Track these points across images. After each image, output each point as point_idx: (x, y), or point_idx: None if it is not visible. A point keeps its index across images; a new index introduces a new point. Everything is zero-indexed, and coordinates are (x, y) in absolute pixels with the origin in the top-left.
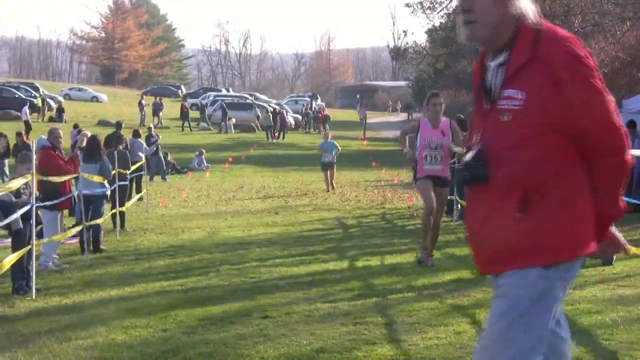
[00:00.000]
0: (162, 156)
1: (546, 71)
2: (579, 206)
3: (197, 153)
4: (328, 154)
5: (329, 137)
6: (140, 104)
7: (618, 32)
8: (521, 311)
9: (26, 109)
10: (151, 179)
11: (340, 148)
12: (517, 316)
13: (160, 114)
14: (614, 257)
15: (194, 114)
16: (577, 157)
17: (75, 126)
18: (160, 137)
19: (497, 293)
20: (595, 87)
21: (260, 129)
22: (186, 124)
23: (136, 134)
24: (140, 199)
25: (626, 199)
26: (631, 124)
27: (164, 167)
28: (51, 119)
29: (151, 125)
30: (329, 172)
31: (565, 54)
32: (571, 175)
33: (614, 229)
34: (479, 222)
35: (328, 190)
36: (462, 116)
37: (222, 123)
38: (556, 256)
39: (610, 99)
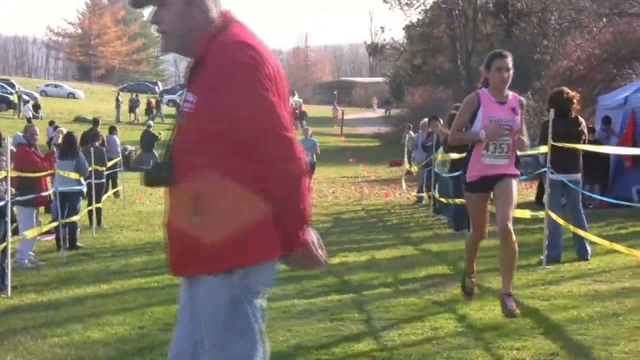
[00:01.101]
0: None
1: (208, 77)
2: (251, 213)
3: None
4: (310, 153)
5: (310, 133)
6: (117, 100)
7: (594, 29)
8: (221, 318)
9: None
10: None
11: (318, 150)
12: (219, 323)
13: (137, 110)
14: (589, 251)
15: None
16: (247, 164)
17: (51, 123)
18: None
19: (193, 299)
20: (254, 95)
21: None
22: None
23: (112, 131)
24: (116, 194)
25: (600, 197)
26: (606, 121)
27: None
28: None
29: (151, 123)
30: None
31: (224, 60)
32: (243, 182)
33: (312, 241)
34: (168, 225)
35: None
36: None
37: None
38: (233, 262)
39: (273, 106)
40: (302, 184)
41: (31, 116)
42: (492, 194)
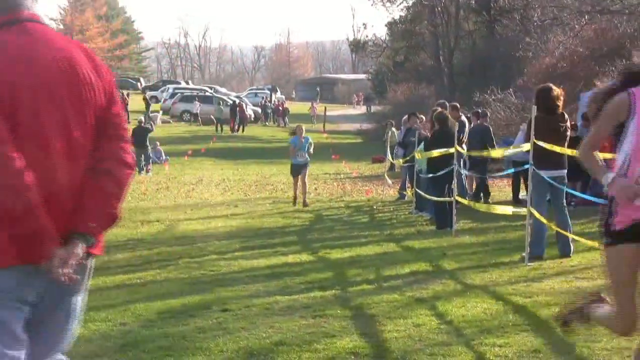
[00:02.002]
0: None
1: None
2: None
3: (151, 146)
4: (302, 152)
5: (304, 132)
6: None
7: (576, 26)
8: None
9: None
10: (141, 170)
11: (312, 150)
12: None
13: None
14: (572, 248)
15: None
16: None
17: None
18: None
19: None
20: None
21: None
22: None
23: None
24: None
25: (581, 195)
26: (587, 116)
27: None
28: None
29: (142, 118)
30: (299, 176)
31: None
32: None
33: (58, 255)
34: None
35: (296, 201)
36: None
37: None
38: None
39: None
40: (18, 197)
41: None
42: None
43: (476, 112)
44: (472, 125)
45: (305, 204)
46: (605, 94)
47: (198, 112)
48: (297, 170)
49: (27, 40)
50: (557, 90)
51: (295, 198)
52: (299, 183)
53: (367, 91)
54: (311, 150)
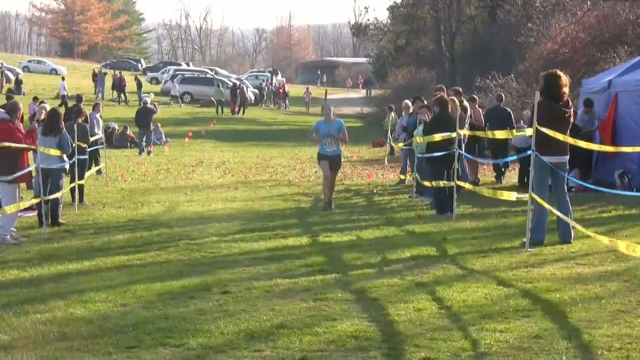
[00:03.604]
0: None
1: None
2: None
3: (153, 127)
4: (331, 140)
5: (332, 113)
6: (97, 75)
7: (579, 12)
8: None
9: None
10: (142, 151)
11: (347, 135)
12: None
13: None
14: (573, 235)
15: (154, 88)
16: None
17: (35, 99)
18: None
19: None
20: None
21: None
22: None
23: (96, 108)
24: (99, 171)
25: (579, 182)
26: (588, 103)
27: (142, 142)
28: (9, 91)
29: (147, 99)
30: (331, 172)
31: None
32: None
33: None
34: None
35: (328, 206)
36: (424, 100)
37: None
38: None
39: None
40: None
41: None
42: None
43: (472, 97)
44: (487, 108)
45: (329, 204)
46: None
47: (177, 94)
48: (326, 162)
49: None
50: (565, 78)
51: (329, 202)
52: (329, 179)
53: (367, 75)
54: (346, 137)
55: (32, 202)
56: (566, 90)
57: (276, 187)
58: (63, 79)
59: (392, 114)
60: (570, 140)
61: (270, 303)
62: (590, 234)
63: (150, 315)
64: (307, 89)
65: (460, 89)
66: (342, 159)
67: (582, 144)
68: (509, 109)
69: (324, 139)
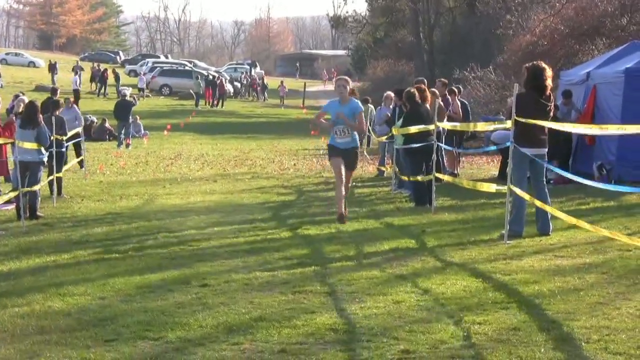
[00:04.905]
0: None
1: None
2: None
3: (132, 120)
4: (343, 127)
5: (349, 90)
6: (76, 69)
7: (557, 4)
8: None
9: None
10: (120, 144)
11: (363, 119)
12: None
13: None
14: (551, 227)
15: (132, 80)
16: None
17: (17, 96)
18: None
19: None
20: None
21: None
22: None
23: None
24: (81, 163)
25: (558, 170)
26: (567, 94)
27: (121, 134)
28: None
29: (125, 92)
30: (345, 169)
31: None
32: None
33: None
34: None
35: (341, 219)
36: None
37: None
38: None
39: None
40: None
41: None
42: None
43: (451, 89)
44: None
45: (342, 217)
46: None
47: (144, 86)
48: (339, 158)
49: None
50: (549, 71)
51: (343, 215)
52: (344, 178)
53: (346, 67)
54: (362, 124)
55: (10, 195)
56: (550, 82)
57: (255, 179)
58: (76, 73)
59: (369, 105)
60: (556, 125)
61: (249, 296)
62: (587, 227)
63: (129, 309)
64: (282, 82)
65: (446, 81)
66: (320, 150)
67: (569, 126)
68: (466, 101)
69: (335, 127)
